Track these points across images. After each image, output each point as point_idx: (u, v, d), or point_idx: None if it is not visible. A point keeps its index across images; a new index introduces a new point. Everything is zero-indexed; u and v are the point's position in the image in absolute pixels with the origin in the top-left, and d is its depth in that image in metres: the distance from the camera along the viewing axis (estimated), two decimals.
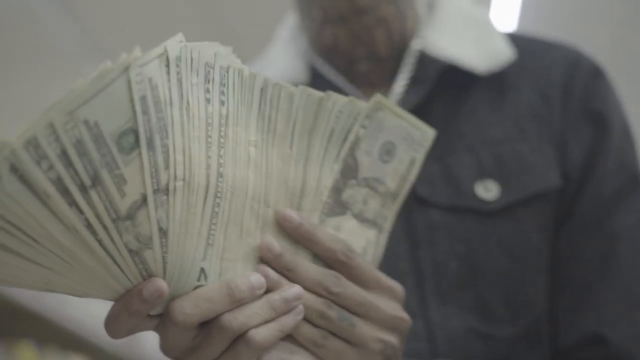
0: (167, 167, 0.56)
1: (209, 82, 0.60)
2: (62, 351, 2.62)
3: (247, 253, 0.64)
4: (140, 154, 0.55)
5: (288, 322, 0.64)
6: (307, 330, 0.66)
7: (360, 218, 0.71)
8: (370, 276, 0.69)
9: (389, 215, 0.73)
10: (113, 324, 0.61)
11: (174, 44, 0.59)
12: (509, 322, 0.92)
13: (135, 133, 0.54)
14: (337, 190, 0.69)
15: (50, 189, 0.52)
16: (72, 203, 0.53)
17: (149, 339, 3.20)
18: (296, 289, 0.65)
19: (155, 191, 0.56)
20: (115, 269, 0.57)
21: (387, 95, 1.00)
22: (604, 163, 0.96)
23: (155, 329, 0.63)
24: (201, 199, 0.59)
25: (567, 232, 0.95)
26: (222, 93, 0.61)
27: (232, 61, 0.63)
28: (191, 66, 0.59)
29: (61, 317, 2.43)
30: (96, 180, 0.53)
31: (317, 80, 1.02)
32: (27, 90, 4.56)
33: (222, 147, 0.61)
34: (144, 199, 0.56)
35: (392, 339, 0.68)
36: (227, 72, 0.62)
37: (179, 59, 0.58)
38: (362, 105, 0.70)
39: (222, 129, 0.61)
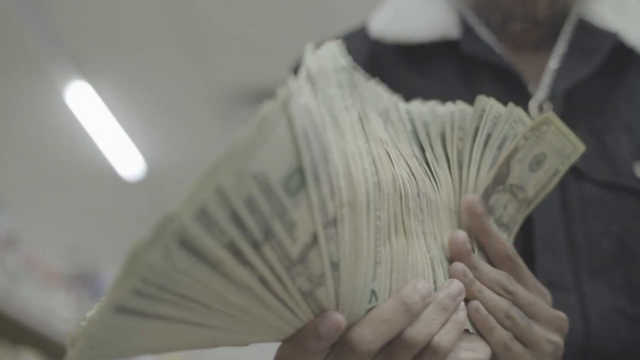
0: (333, 197, 0.52)
1: (341, 87, 0.57)
2: (13, 345, 2.60)
3: (415, 256, 0.61)
4: (307, 192, 0.50)
5: (461, 317, 0.62)
6: (500, 333, 0.64)
7: (499, 222, 0.70)
8: (530, 277, 0.68)
9: (520, 219, 0.72)
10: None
11: (310, 59, 0.54)
12: None
13: (301, 171, 0.50)
14: (486, 194, 0.68)
15: (223, 254, 0.48)
16: (245, 262, 0.49)
17: None
18: (457, 283, 0.63)
19: (325, 226, 0.52)
20: (287, 313, 0.54)
21: (544, 63, 0.97)
22: None
23: None
24: (364, 218, 0.55)
25: None
26: (351, 96, 0.58)
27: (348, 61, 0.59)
28: (327, 77, 0.56)
29: (12, 310, 2.41)
30: (268, 233, 0.49)
31: (468, 37, 0.97)
32: None
33: (370, 154, 0.57)
34: (315, 238, 0.51)
35: (558, 339, 0.68)
36: (353, 73, 0.59)
37: (317, 73, 0.54)
38: (522, 114, 0.69)
39: (364, 133, 0.57)
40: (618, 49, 0.97)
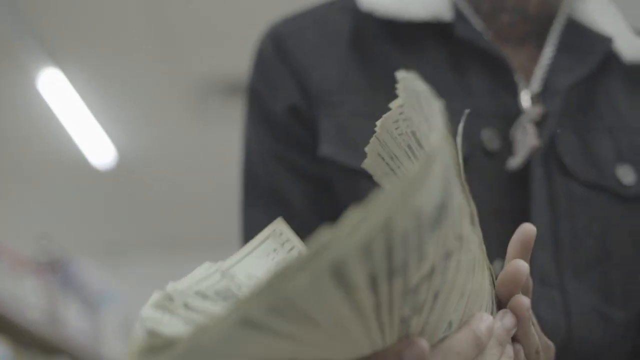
0: (454, 230, 0.51)
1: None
2: None
3: (484, 289, 0.60)
4: (441, 226, 0.49)
5: (510, 352, 0.61)
6: None
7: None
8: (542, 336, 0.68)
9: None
10: None
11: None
12: (622, 307, 0.93)
13: (442, 206, 0.48)
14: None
15: (362, 284, 0.47)
16: (375, 291, 0.48)
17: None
18: (511, 316, 0.60)
19: (442, 258, 0.51)
20: (379, 336, 0.52)
21: (528, 57, 0.97)
22: None
23: None
24: (465, 250, 0.54)
25: None
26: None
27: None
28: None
29: None
30: (405, 267, 0.48)
31: (460, 23, 0.96)
32: None
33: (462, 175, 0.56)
34: (432, 270, 0.50)
35: None
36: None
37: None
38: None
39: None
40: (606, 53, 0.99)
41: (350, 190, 0.93)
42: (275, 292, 0.44)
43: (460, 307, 0.56)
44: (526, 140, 0.91)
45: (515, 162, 0.91)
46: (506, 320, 0.60)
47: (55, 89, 4.92)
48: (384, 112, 0.86)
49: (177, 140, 5.66)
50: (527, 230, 0.61)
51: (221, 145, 5.36)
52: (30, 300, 2.84)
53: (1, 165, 5.68)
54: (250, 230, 0.96)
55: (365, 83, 0.95)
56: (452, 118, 0.89)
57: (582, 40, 0.98)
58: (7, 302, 2.58)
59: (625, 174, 0.94)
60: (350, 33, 0.97)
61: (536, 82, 0.95)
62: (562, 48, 0.98)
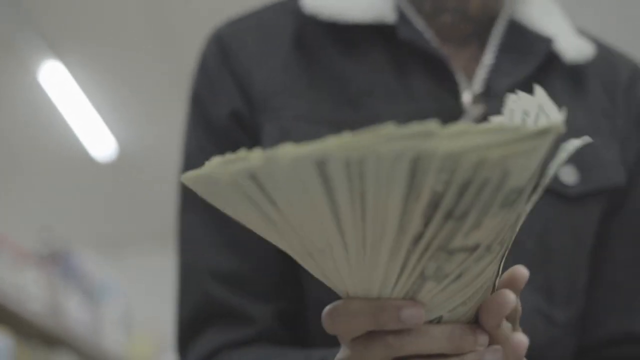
0: (508, 224, 0.53)
1: None
2: None
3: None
4: (508, 212, 0.50)
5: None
6: None
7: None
8: None
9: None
10: (343, 323, 0.56)
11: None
12: (565, 307, 0.94)
13: (520, 191, 0.49)
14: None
15: (426, 198, 0.48)
16: (430, 223, 0.49)
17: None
18: (500, 355, 0.59)
19: (487, 247, 0.52)
20: (392, 277, 0.53)
21: (470, 58, 0.98)
22: None
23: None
24: (496, 256, 0.56)
25: (608, 232, 0.98)
26: None
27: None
28: None
29: None
30: (463, 216, 0.49)
31: (403, 24, 0.96)
32: None
33: None
34: (474, 249, 0.52)
35: None
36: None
37: None
38: None
39: None
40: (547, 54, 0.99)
41: None
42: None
43: (457, 308, 0.57)
44: None
45: None
46: (496, 356, 0.59)
47: (57, 81, 4.93)
48: (326, 116, 0.87)
49: (178, 133, 5.66)
50: (518, 273, 0.61)
51: None
52: (31, 291, 2.85)
53: (2, 158, 5.68)
54: (185, 236, 0.94)
55: (308, 86, 0.94)
56: (393, 118, 0.90)
57: (523, 41, 0.99)
58: (9, 293, 2.60)
59: (567, 174, 0.95)
60: (294, 36, 0.97)
61: (478, 82, 0.96)
62: (504, 49, 0.98)
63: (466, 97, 0.94)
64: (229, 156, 0.49)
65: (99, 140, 5.71)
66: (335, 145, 0.46)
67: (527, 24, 1.00)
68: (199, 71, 0.98)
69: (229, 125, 0.94)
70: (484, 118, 0.93)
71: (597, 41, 1.06)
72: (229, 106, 0.94)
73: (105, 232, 6.90)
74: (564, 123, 0.47)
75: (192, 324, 0.91)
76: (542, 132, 0.47)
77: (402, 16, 0.97)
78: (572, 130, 0.96)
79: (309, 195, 0.48)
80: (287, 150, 0.46)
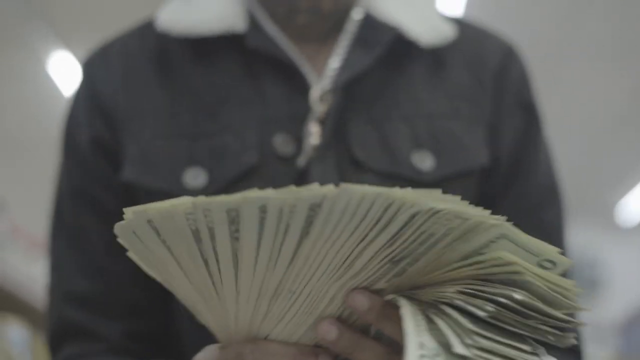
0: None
1: None
2: (0, 312, 2.62)
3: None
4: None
5: None
6: None
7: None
8: None
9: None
10: None
11: None
12: None
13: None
14: None
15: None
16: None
17: None
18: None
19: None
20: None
21: (328, 55, 0.99)
22: (536, 154, 1.01)
23: None
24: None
25: (502, 212, 0.97)
26: None
27: None
28: None
29: (1, 279, 2.43)
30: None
31: (254, 31, 0.98)
32: None
33: None
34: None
35: None
36: None
37: None
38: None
39: None
40: (399, 43, 0.99)
41: None
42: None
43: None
44: (310, 139, 0.93)
45: (300, 162, 0.93)
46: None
47: (65, 71, 4.92)
48: (184, 130, 0.94)
49: None
50: (321, 332, 0.67)
51: None
52: (44, 282, 2.84)
53: (12, 148, 5.69)
54: (51, 260, 0.99)
55: (168, 103, 0.96)
56: (246, 125, 0.94)
57: (372, 33, 0.99)
58: (23, 283, 2.59)
59: (422, 160, 0.95)
60: (155, 55, 1.00)
61: (327, 79, 0.96)
62: (354, 43, 0.99)
63: (313, 95, 0.95)
64: (137, 207, 0.58)
65: None
66: (231, 198, 0.54)
67: (378, 16, 1.00)
68: (70, 102, 1.02)
69: (92, 152, 0.97)
70: (328, 114, 0.93)
71: (470, 25, 1.07)
72: (91, 133, 0.97)
73: None
74: None
75: (52, 342, 0.97)
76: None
77: (253, 23, 0.98)
78: (428, 114, 0.97)
79: (185, 242, 0.57)
80: (163, 204, 0.56)
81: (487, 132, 0.99)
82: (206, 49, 0.98)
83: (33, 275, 2.71)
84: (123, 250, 0.85)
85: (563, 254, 0.64)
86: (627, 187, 7.46)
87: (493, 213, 0.88)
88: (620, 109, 6.11)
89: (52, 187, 1.01)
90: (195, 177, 0.92)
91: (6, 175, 5.71)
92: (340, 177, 0.93)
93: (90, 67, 1.02)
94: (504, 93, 1.02)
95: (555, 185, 1.03)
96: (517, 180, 1.00)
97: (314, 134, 0.93)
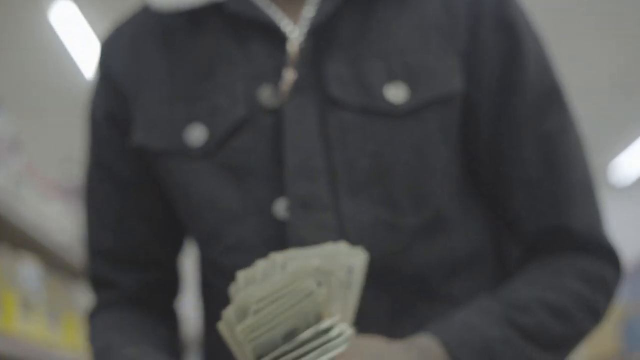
0: None
1: None
2: (15, 249, 2.66)
3: None
4: None
5: None
6: None
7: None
8: None
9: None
10: None
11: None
12: (413, 213, 1.01)
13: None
14: None
15: None
16: None
17: None
18: None
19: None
20: None
21: (303, 7, 1.05)
22: (523, 70, 1.04)
23: None
24: None
25: (500, 134, 1.04)
26: None
27: None
28: None
29: (16, 217, 2.47)
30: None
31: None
32: None
33: None
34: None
35: None
36: None
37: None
38: None
39: None
40: None
41: (166, 179, 1.06)
42: None
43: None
44: (284, 83, 1.02)
45: (277, 107, 1.02)
46: None
47: (68, 21, 4.93)
48: (183, 93, 1.05)
49: None
50: None
51: None
52: (57, 223, 2.88)
53: (16, 95, 5.69)
54: (85, 222, 1.15)
55: (168, 72, 1.07)
56: (235, 83, 1.03)
57: None
58: (37, 223, 2.63)
59: (396, 94, 1.01)
60: (158, 30, 1.09)
61: (302, 28, 1.04)
62: None
63: (290, 45, 1.03)
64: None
65: None
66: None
67: None
68: (89, 95, 1.14)
69: (105, 125, 1.10)
70: (301, 59, 1.02)
71: None
72: (104, 109, 1.10)
73: None
74: None
75: (91, 290, 1.15)
76: None
77: None
78: (401, 49, 1.03)
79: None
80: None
81: (461, 59, 1.03)
82: (197, 19, 1.06)
83: (45, 215, 2.75)
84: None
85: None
86: (620, 147, 7.53)
87: (491, 138, 1.06)
88: (615, 70, 6.15)
89: (56, 134, 1.14)
90: (195, 133, 1.03)
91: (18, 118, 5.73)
92: (319, 116, 1.01)
93: (105, 47, 1.13)
94: (481, 18, 1.04)
95: (554, 92, 1.05)
96: (506, 97, 1.04)
97: (287, 78, 1.01)
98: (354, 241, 0.98)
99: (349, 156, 1.00)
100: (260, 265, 0.92)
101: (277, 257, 0.92)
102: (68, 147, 7.04)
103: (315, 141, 1.01)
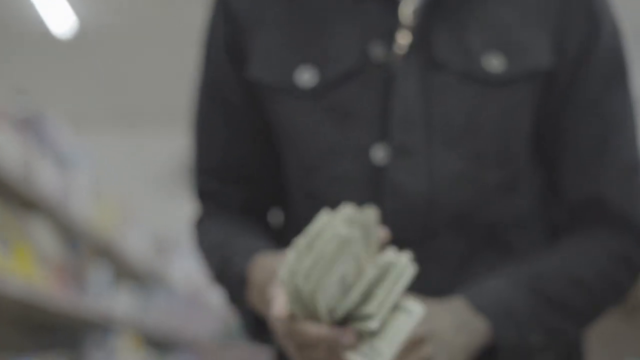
0: None
1: None
2: None
3: None
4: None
5: None
6: None
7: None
8: None
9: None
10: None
11: None
12: (495, 170, 1.15)
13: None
14: None
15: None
16: None
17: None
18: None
19: None
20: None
21: None
22: (595, 56, 1.16)
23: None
24: None
25: (566, 108, 1.17)
26: None
27: None
28: None
29: None
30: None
31: None
32: None
33: None
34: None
35: None
36: None
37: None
38: None
39: None
40: None
41: (271, 113, 1.19)
42: None
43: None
44: (398, 46, 1.14)
45: (389, 66, 1.14)
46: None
47: None
48: (298, 35, 1.16)
49: (137, 11, 5.64)
50: None
51: (184, 19, 5.37)
52: (5, 152, 2.89)
53: None
54: (194, 141, 1.26)
55: (286, 14, 1.18)
56: (350, 34, 1.16)
57: None
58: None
59: (494, 63, 1.14)
60: None
61: None
62: None
63: (404, 9, 1.15)
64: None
65: (58, 16, 5.68)
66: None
67: None
68: (207, 23, 1.24)
69: (222, 53, 1.21)
70: (415, 25, 1.14)
71: None
72: (222, 36, 1.21)
73: (68, 109, 6.92)
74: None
75: (197, 201, 1.27)
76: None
77: None
78: (501, 24, 1.15)
79: None
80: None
81: (552, 39, 1.15)
82: None
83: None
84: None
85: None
86: None
87: (559, 111, 1.19)
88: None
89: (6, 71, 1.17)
90: (305, 75, 1.15)
91: None
92: (424, 76, 1.14)
93: None
94: (569, 1, 1.16)
95: (620, 75, 1.18)
96: (579, 76, 1.16)
97: (402, 41, 1.14)
98: (440, 188, 1.13)
99: (447, 114, 1.14)
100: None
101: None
102: (20, 79, 7.02)
103: (419, 98, 1.13)
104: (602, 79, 1.17)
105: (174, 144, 8.63)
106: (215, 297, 8.06)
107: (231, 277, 1.17)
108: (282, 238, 1.20)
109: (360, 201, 1.08)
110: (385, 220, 1.08)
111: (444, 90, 1.14)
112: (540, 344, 1.13)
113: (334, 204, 1.07)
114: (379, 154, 1.14)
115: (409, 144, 1.13)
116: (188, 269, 6.92)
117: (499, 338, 1.10)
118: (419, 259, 1.06)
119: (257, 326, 1.17)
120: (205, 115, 1.25)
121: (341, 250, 0.98)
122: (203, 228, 1.26)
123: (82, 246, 3.81)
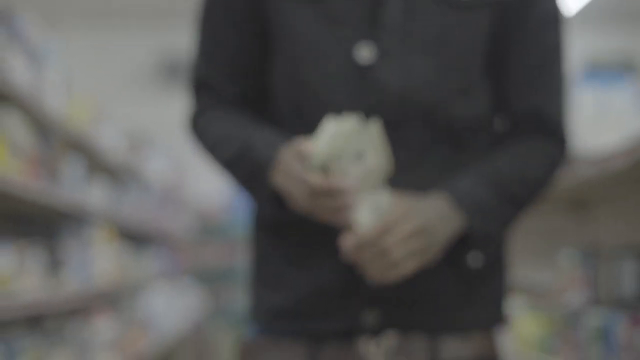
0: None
1: None
2: None
3: None
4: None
5: None
6: None
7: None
8: None
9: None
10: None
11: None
12: (458, 76, 1.44)
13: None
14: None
15: None
16: None
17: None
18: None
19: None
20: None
21: None
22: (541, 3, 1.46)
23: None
24: None
25: (516, 36, 1.46)
26: None
27: None
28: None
29: None
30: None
31: None
32: None
33: None
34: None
35: None
36: None
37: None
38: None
39: None
40: None
41: (272, 18, 1.43)
42: None
43: None
44: None
45: None
46: None
47: None
48: None
49: None
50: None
51: None
52: None
53: None
54: (196, 38, 1.48)
55: None
56: None
57: None
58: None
59: None
60: None
61: None
62: None
63: None
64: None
65: None
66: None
67: None
68: None
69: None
70: None
71: None
72: None
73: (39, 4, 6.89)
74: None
75: (191, 91, 1.49)
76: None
77: None
78: None
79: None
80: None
81: None
82: None
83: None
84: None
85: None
86: None
87: (507, 36, 1.51)
88: None
89: None
90: None
91: None
92: (424, 14, 1.41)
93: None
94: None
95: (558, 18, 1.47)
96: (525, 11, 1.45)
97: None
98: (413, 87, 1.41)
99: (423, 27, 1.41)
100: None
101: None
102: None
103: (402, 12, 1.41)
104: (544, 18, 1.46)
105: (151, 42, 8.66)
106: (191, 196, 8.22)
107: (254, 160, 1.38)
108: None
109: (343, 93, 1.38)
110: (365, 109, 1.38)
111: (423, 9, 1.41)
112: (496, 233, 1.43)
113: (321, 99, 1.38)
114: (363, 53, 1.40)
115: (391, 47, 1.40)
116: (163, 167, 7.03)
117: (470, 229, 1.39)
118: (391, 142, 1.36)
119: (276, 200, 1.38)
120: (209, 19, 1.46)
121: (357, 142, 1.30)
122: (204, 119, 1.45)
123: (55, 140, 3.88)
